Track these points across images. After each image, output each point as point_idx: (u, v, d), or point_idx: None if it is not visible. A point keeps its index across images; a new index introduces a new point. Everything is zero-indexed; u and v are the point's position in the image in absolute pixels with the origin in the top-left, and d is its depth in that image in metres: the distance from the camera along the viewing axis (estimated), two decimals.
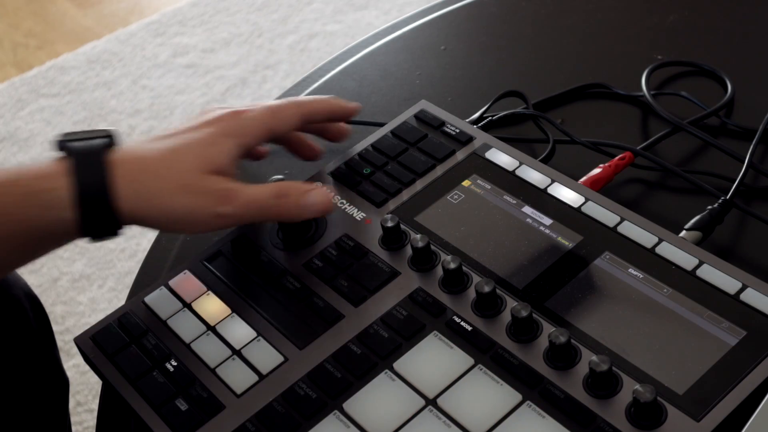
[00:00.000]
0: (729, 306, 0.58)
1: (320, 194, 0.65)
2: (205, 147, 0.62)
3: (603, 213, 0.65)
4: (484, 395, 0.56)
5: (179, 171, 0.61)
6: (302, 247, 0.67)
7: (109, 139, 0.61)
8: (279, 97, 0.91)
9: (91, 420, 1.50)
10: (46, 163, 0.59)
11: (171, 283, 0.67)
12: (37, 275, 1.75)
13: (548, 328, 0.58)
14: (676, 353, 0.56)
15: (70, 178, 0.58)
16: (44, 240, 0.60)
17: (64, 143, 0.60)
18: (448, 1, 1.00)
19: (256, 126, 0.65)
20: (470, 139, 0.72)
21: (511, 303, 0.60)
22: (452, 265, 0.61)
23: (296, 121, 0.68)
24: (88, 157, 0.59)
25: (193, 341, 0.62)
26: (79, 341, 0.65)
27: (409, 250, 0.65)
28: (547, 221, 0.65)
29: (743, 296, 0.58)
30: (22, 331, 0.73)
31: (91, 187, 0.58)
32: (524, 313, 0.57)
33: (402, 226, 0.66)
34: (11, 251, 0.59)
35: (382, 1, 2.32)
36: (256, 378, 0.60)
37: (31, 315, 0.74)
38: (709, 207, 0.69)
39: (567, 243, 0.63)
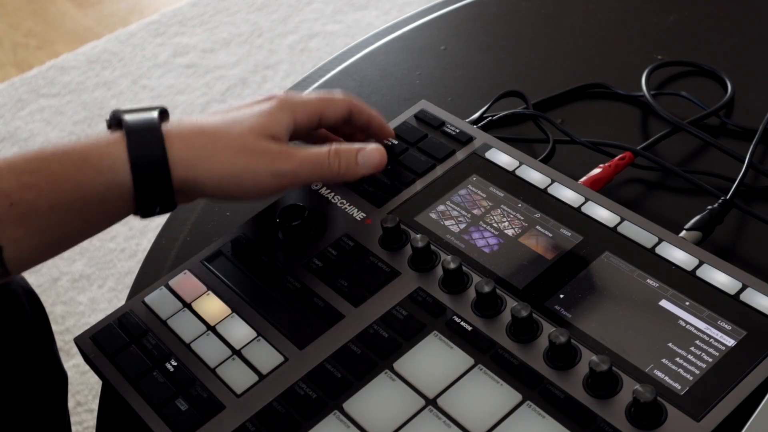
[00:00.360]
0: (729, 306, 0.58)
1: (373, 150, 0.66)
2: (261, 116, 0.64)
3: (603, 213, 0.65)
4: (484, 395, 0.56)
5: (236, 135, 0.62)
6: (302, 247, 0.67)
7: (162, 113, 0.62)
8: None
9: (91, 420, 1.50)
10: (101, 133, 0.61)
11: (171, 283, 0.67)
12: (37, 275, 1.75)
13: (548, 328, 0.58)
14: (676, 353, 0.56)
15: (125, 144, 0.59)
16: (100, 208, 0.60)
17: (117, 117, 0.61)
18: (448, 1, 1.00)
19: (308, 107, 0.66)
20: (470, 139, 0.72)
21: (511, 303, 0.60)
22: (452, 265, 0.61)
23: (345, 112, 0.68)
24: (143, 125, 0.60)
25: (193, 341, 0.62)
26: (79, 341, 0.65)
27: (409, 250, 0.65)
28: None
29: (743, 296, 0.58)
30: (19, 327, 0.73)
31: (146, 151, 0.59)
32: (524, 313, 0.57)
33: (402, 226, 0.66)
34: (69, 219, 0.59)
35: (382, 1, 2.32)
36: (256, 378, 0.60)
37: (28, 310, 0.74)
38: (709, 207, 0.69)
39: (567, 243, 0.63)
